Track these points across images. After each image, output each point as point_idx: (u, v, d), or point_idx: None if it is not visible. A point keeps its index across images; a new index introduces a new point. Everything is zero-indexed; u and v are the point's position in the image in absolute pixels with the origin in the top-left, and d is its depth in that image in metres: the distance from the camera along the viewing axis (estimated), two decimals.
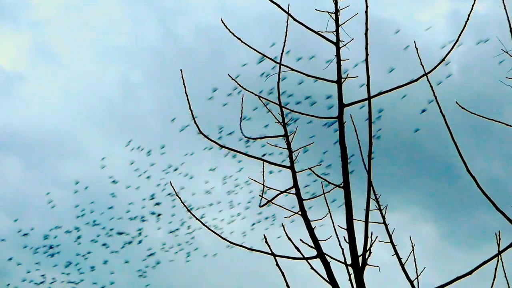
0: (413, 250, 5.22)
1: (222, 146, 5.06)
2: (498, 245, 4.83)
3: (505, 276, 4.90)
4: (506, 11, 5.09)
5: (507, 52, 5.33)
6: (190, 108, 4.93)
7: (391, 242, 5.17)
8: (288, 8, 5.03)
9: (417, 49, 5.00)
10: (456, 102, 5.14)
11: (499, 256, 4.79)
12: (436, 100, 4.96)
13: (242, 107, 5.21)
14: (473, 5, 4.96)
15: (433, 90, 4.96)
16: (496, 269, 4.77)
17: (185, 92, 4.96)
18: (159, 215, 18.57)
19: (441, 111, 4.90)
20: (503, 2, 4.96)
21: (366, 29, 4.78)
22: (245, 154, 5.05)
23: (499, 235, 4.83)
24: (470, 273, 4.69)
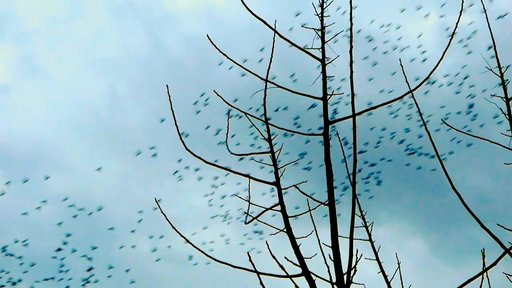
0: (399, 267, 5.26)
1: (207, 163, 5.09)
2: (484, 262, 4.89)
3: None
4: (490, 30, 5.21)
5: (491, 70, 5.44)
6: (176, 124, 4.98)
7: (377, 259, 5.21)
8: (274, 24, 5.12)
9: (402, 66, 5.09)
10: (442, 120, 5.23)
11: (485, 273, 4.85)
12: (422, 118, 5.05)
13: (228, 123, 5.26)
14: (457, 23, 5.07)
15: (418, 108, 5.05)
16: (481, 287, 4.82)
17: (171, 108, 5.01)
18: (151, 237, 18.51)
19: (426, 129, 4.98)
20: (487, 21, 5.07)
21: (351, 47, 4.87)
22: (231, 170, 5.09)
23: (484, 253, 4.90)
24: None
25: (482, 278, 4.82)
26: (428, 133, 4.94)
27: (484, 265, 4.83)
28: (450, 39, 5.08)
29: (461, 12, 4.81)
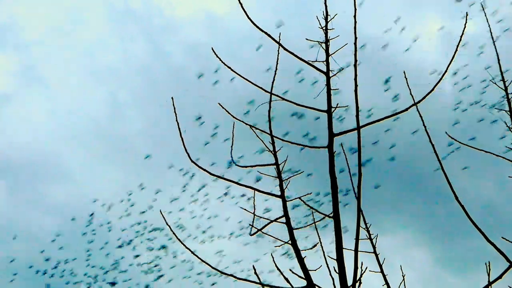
0: (403, 280, 5.33)
1: (213, 175, 5.18)
2: (488, 275, 4.95)
3: None
4: (493, 41, 5.30)
5: (495, 83, 5.53)
6: (181, 136, 5.06)
7: (382, 272, 5.28)
8: (279, 37, 5.21)
9: (406, 79, 5.18)
10: (446, 133, 5.31)
11: (490, 287, 4.91)
12: (426, 130, 5.13)
13: (233, 135, 5.35)
14: (463, 32, 5.15)
15: (422, 120, 5.13)
16: None
17: (176, 120, 5.10)
18: (151, 249, 18.52)
19: (430, 141, 5.07)
20: (491, 34, 5.16)
21: (355, 61, 4.95)
22: (236, 182, 5.17)
23: (489, 266, 4.96)
24: None
25: None
26: (433, 145, 5.03)
27: (489, 279, 4.89)
28: (455, 53, 5.16)
29: (465, 25, 4.90)
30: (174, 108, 5.18)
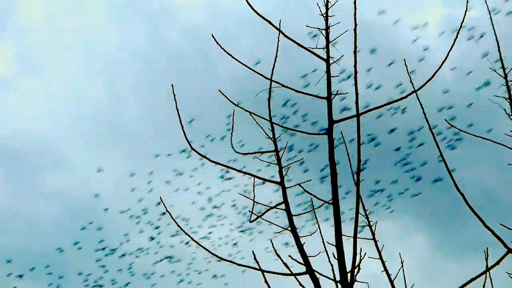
0: (402, 266, 5.40)
1: (212, 161, 5.23)
2: (486, 262, 5.01)
3: None
4: (494, 30, 5.32)
5: (494, 70, 5.57)
6: (181, 123, 5.11)
7: (381, 258, 5.35)
8: (279, 24, 5.24)
9: (406, 66, 5.21)
10: (445, 120, 5.35)
11: (488, 272, 4.98)
12: (426, 118, 5.17)
13: (233, 122, 5.39)
14: (463, 19, 5.18)
15: (422, 108, 5.17)
16: (484, 286, 4.95)
17: (176, 107, 5.14)
18: (152, 239, 18.58)
19: (430, 129, 5.11)
20: (491, 22, 5.18)
21: (355, 47, 4.99)
22: (236, 169, 5.23)
23: (487, 252, 5.02)
24: None
25: (485, 277, 4.95)
26: (433, 134, 5.07)
27: (487, 264, 4.96)
28: (455, 39, 5.19)
29: (465, 13, 4.93)
30: (174, 96, 5.22)
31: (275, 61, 5.24)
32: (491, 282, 5.02)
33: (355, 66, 4.96)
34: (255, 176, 5.19)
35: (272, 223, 5.19)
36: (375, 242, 5.30)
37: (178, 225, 5.32)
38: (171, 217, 5.31)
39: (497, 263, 4.94)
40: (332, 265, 4.91)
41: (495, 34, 5.35)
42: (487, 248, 5.00)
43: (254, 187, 5.33)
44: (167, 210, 5.40)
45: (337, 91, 5.14)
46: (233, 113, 5.30)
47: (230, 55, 5.26)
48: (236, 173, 5.28)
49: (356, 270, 4.82)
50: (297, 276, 4.84)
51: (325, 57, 5.23)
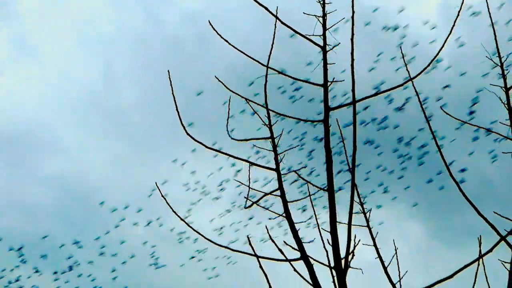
0: (396, 253, 5.47)
1: (208, 147, 5.27)
2: (480, 249, 5.09)
3: (486, 280, 5.16)
4: (491, 18, 5.35)
5: (490, 59, 5.61)
6: (177, 109, 5.14)
7: (375, 245, 5.41)
8: (276, 11, 5.26)
9: (403, 54, 5.25)
10: (441, 107, 5.40)
11: (481, 260, 5.05)
12: (421, 106, 5.23)
13: (229, 109, 5.42)
14: (461, 6, 5.21)
15: (418, 96, 5.22)
16: (476, 273, 5.02)
17: (172, 93, 5.17)
18: (149, 223, 18.63)
19: (425, 117, 5.16)
20: (489, 12, 5.21)
21: (352, 34, 5.03)
22: (231, 155, 5.27)
23: (480, 239, 5.10)
24: (451, 276, 4.95)
25: (478, 264, 5.02)
26: (428, 122, 5.13)
27: (480, 251, 5.03)
28: (452, 27, 5.23)
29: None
30: (170, 81, 5.25)
31: (272, 47, 5.27)
32: (484, 269, 5.09)
33: (352, 53, 5.00)
34: (250, 162, 5.24)
35: (267, 209, 5.25)
36: (369, 229, 5.36)
37: (174, 211, 5.37)
38: (167, 202, 5.37)
39: (490, 250, 5.02)
40: (326, 251, 4.98)
41: (491, 22, 5.38)
42: (480, 236, 5.08)
43: (249, 173, 5.38)
44: (162, 196, 5.45)
45: (334, 78, 5.19)
46: (229, 100, 5.34)
47: (227, 41, 5.29)
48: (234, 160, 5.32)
49: (350, 256, 4.89)
50: (291, 262, 4.91)
51: (322, 44, 5.27)
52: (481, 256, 5.02)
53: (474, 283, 4.99)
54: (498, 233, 5.10)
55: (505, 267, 5.27)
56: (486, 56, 5.64)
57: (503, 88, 5.68)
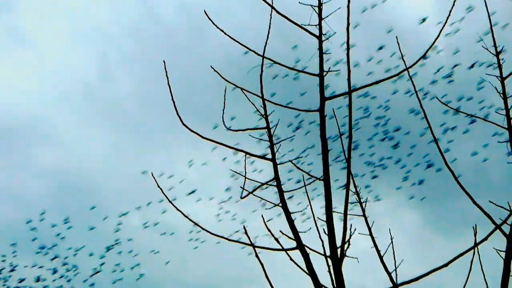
0: (392, 242, 5.51)
1: (204, 138, 5.28)
2: (475, 238, 5.13)
3: (482, 269, 5.21)
4: (487, 8, 5.37)
5: (486, 49, 5.64)
6: (172, 100, 5.15)
7: (371, 235, 5.45)
8: (272, 0, 5.27)
9: (399, 44, 5.27)
10: (437, 97, 5.42)
11: (476, 248, 5.10)
12: (417, 95, 5.25)
13: (224, 99, 5.43)
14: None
15: (413, 85, 5.25)
16: (472, 261, 5.06)
17: (168, 84, 5.18)
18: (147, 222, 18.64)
19: (421, 107, 5.19)
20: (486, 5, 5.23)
21: (348, 24, 5.04)
22: (227, 145, 5.29)
23: (476, 228, 5.14)
24: (446, 265, 5.00)
25: (474, 253, 5.07)
26: (423, 111, 5.16)
27: (475, 240, 5.08)
28: (448, 16, 5.24)
29: None
30: (166, 72, 5.25)
31: (268, 37, 5.28)
32: (479, 258, 5.14)
33: (347, 42, 5.02)
34: (246, 152, 5.26)
35: (263, 199, 5.28)
36: (365, 218, 5.39)
37: (170, 201, 5.39)
38: (163, 192, 5.39)
39: (485, 239, 5.07)
40: (322, 241, 5.02)
41: (487, 12, 5.40)
42: (475, 225, 5.12)
43: (245, 163, 5.40)
44: (158, 186, 5.47)
45: (329, 68, 5.20)
46: (225, 90, 5.35)
47: (222, 31, 5.30)
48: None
49: (346, 245, 4.93)
50: (287, 251, 4.95)
51: (317, 34, 5.28)
52: (476, 244, 5.06)
53: (469, 271, 5.04)
54: (493, 222, 5.14)
55: (500, 256, 5.32)
56: (482, 46, 5.67)
57: (499, 78, 5.72)
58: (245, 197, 5.33)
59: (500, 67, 5.70)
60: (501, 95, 5.68)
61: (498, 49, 5.72)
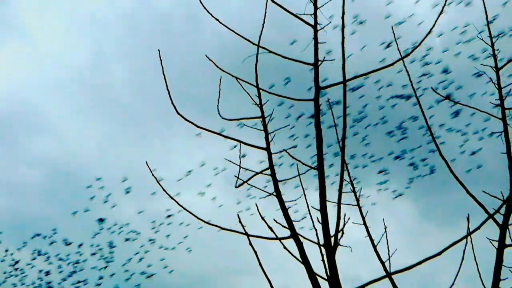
0: (385, 232, 5.55)
1: (199, 127, 5.29)
2: (468, 227, 5.17)
3: (475, 258, 5.26)
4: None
5: (481, 39, 5.65)
6: (167, 89, 5.15)
7: (364, 224, 5.48)
8: None
9: (394, 34, 5.28)
10: (432, 88, 5.45)
11: (469, 237, 5.14)
12: (412, 86, 5.27)
13: (220, 88, 5.44)
14: None
15: (409, 75, 5.26)
16: (464, 250, 5.11)
17: (163, 73, 5.18)
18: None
19: (416, 97, 5.21)
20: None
21: (343, 13, 5.05)
22: (222, 135, 5.30)
23: (469, 218, 5.18)
24: (439, 253, 5.04)
25: (466, 242, 5.11)
26: (418, 101, 5.18)
27: (468, 229, 5.12)
28: (442, 8, 5.26)
29: None
30: (161, 61, 5.25)
31: (263, 26, 5.29)
32: (473, 248, 5.18)
33: (342, 30, 5.03)
34: (240, 142, 5.28)
35: (257, 187, 5.30)
36: (359, 208, 5.42)
37: (164, 189, 5.41)
38: (157, 181, 5.40)
39: (478, 228, 5.11)
40: (316, 230, 5.04)
41: (483, 1, 5.42)
42: (468, 214, 5.16)
43: (240, 153, 5.42)
44: (152, 175, 5.49)
45: (324, 57, 5.21)
46: (220, 79, 5.35)
47: (217, 19, 5.30)
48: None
49: (339, 234, 4.96)
50: (281, 240, 4.97)
51: (313, 23, 5.29)
52: (469, 233, 5.10)
53: (462, 260, 5.08)
54: (486, 211, 5.19)
55: (493, 245, 5.36)
56: (478, 36, 5.69)
57: (494, 68, 5.74)
58: (239, 186, 5.35)
59: (495, 57, 5.72)
60: (496, 85, 5.71)
61: (493, 40, 5.74)
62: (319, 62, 5.24)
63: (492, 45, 5.77)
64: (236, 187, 5.37)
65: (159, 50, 5.19)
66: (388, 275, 5.02)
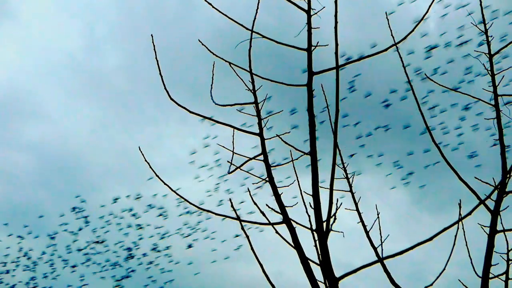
0: (378, 218, 5.60)
1: (192, 112, 5.32)
2: (460, 212, 5.23)
3: (466, 244, 5.32)
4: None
5: (475, 25, 5.68)
6: (160, 74, 5.17)
7: (357, 210, 5.54)
8: None
9: (388, 19, 5.30)
10: (425, 74, 5.48)
11: (460, 223, 5.20)
12: (406, 72, 5.31)
13: (213, 74, 5.45)
14: None
15: (402, 61, 5.30)
16: (456, 236, 5.17)
17: (156, 58, 5.18)
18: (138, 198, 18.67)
19: (409, 83, 5.25)
20: None
21: None
22: (215, 120, 5.33)
23: (460, 203, 5.24)
24: (430, 239, 5.10)
25: (458, 227, 5.17)
26: (412, 88, 5.22)
27: (460, 214, 5.18)
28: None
29: None
30: (154, 46, 5.26)
31: (257, 11, 5.29)
32: (464, 234, 5.24)
33: (335, 15, 5.04)
34: (233, 127, 5.31)
35: (250, 173, 5.34)
36: (352, 193, 5.47)
37: (157, 175, 5.44)
38: (150, 167, 5.43)
39: (469, 213, 5.17)
40: (309, 215, 5.09)
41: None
42: (460, 200, 5.22)
43: (233, 138, 5.44)
44: (146, 161, 5.51)
45: (317, 43, 5.23)
46: (213, 65, 5.37)
47: (210, 4, 5.30)
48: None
49: (332, 219, 5.01)
50: (274, 225, 5.02)
51: (306, 8, 5.30)
52: (460, 219, 5.16)
53: (453, 246, 5.14)
54: (478, 197, 5.24)
55: (485, 231, 5.43)
56: (471, 23, 5.71)
57: (487, 55, 5.77)
58: (232, 172, 5.38)
59: (488, 43, 5.76)
60: (489, 72, 5.75)
61: (487, 26, 5.77)
62: (312, 48, 5.25)
63: (486, 31, 5.81)
64: (229, 173, 5.40)
65: (152, 35, 5.20)
66: (380, 260, 5.08)
